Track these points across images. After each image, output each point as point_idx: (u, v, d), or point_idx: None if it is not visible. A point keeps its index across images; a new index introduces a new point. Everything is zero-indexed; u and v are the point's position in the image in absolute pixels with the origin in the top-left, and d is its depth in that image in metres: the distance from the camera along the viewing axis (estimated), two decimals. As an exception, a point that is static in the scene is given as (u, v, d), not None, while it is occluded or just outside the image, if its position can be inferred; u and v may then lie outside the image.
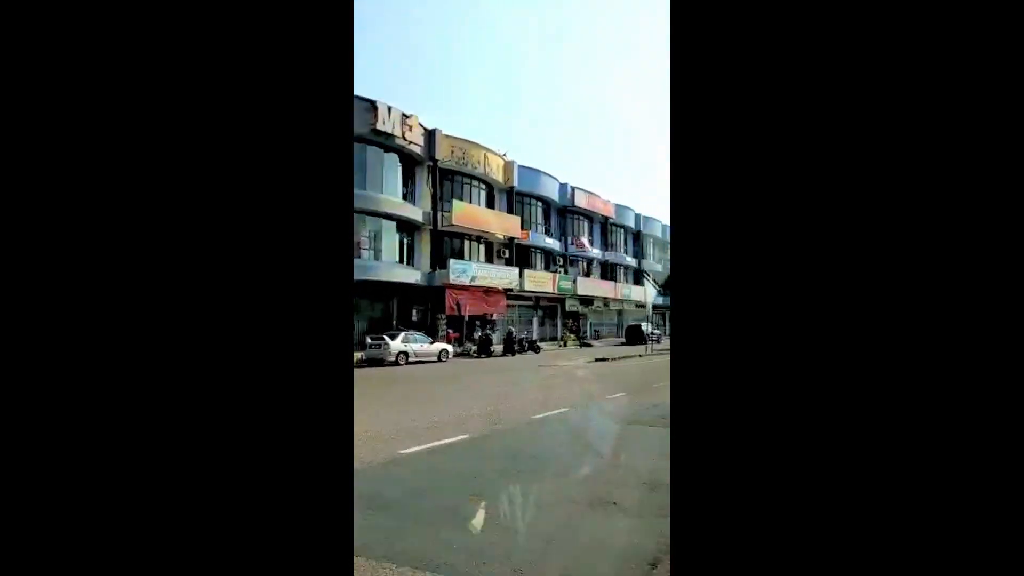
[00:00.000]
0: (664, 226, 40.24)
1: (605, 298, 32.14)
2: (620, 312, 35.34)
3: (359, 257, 17.95)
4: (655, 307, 36.93)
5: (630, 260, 35.95)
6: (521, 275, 24.35)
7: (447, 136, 21.38)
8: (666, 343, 29.19)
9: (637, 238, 37.66)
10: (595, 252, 32.38)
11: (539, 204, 27.96)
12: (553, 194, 28.18)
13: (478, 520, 2.99)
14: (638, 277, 37.33)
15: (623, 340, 30.51)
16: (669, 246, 40.94)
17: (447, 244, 22.28)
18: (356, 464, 3.91)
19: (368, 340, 15.95)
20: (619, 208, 34.45)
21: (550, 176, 27.83)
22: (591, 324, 32.75)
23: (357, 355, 15.22)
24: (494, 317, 23.99)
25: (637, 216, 37.05)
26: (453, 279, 20.50)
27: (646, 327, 32.57)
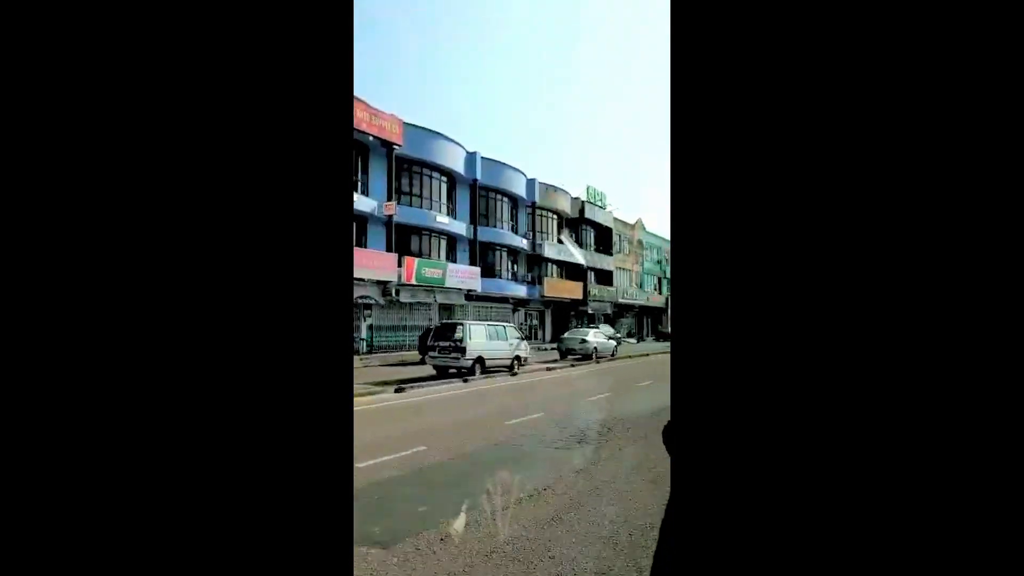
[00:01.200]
0: (548, 187, 27.22)
1: (386, 282, 18.85)
2: (454, 306, 22.19)
3: None
4: (474, 295, 23.79)
5: (445, 221, 22.61)
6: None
7: None
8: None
9: (473, 190, 24.42)
10: (367, 204, 18.75)
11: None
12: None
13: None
14: (475, 250, 24.25)
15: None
16: (536, 210, 28.09)
17: None
18: None
19: None
20: (418, 133, 20.87)
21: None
22: (368, 326, 19.50)
23: None
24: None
25: (471, 156, 23.77)
26: None
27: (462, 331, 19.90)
